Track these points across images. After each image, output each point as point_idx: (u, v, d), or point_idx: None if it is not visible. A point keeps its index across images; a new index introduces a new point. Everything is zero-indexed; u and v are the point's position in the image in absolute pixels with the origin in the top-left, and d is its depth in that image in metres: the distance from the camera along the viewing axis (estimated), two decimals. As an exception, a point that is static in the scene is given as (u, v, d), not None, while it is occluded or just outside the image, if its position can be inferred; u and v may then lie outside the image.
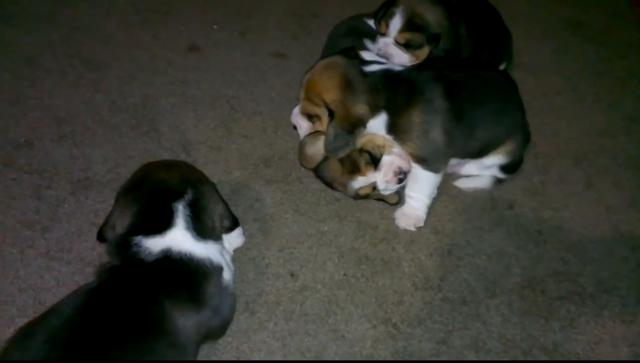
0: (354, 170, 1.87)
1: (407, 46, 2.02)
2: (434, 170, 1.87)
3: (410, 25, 1.99)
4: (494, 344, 1.69)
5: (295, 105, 2.00)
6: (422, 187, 1.92)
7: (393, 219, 1.99)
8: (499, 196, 2.07)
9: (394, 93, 1.79)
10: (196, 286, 1.44)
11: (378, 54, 2.02)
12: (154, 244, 1.42)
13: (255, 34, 2.72)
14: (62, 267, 1.74)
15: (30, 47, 2.44)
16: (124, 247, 1.42)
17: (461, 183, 2.07)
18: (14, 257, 1.76)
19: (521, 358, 1.66)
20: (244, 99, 2.38)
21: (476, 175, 2.05)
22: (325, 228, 1.95)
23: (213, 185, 1.64)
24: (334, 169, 1.90)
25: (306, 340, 1.66)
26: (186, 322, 1.39)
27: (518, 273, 1.86)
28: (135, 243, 1.42)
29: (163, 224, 1.45)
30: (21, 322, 1.60)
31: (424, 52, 2.04)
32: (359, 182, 1.89)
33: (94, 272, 1.47)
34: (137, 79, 2.38)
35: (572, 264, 1.89)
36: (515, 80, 2.05)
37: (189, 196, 1.50)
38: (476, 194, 2.07)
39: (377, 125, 1.83)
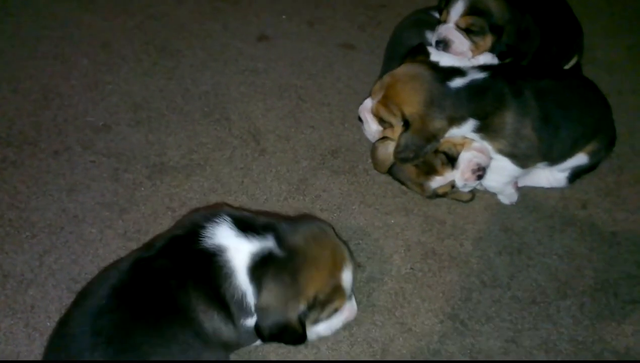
0: (430, 171, 1.87)
1: (468, 31, 2.00)
2: (522, 165, 1.86)
3: (472, 9, 1.99)
4: (564, 346, 1.66)
5: (363, 98, 2.00)
6: (502, 177, 1.90)
7: (460, 214, 1.97)
8: (572, 195, 2.03)
9: (482, 101, 1.79)
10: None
11: (438, 41, 2.01)
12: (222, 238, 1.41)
13: (323, 25, 2.73)
14: (140, 246, 1.80)
15: (106, 34, 2.52)
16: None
17: (533, 181, 2.03)
18: (93, 236, 1.84)
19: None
20: (312, 90, 2.40)
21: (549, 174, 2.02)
22: (392, 221, 1.96)
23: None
24: (409, 171, 1.90)
25: (373, 330, 1.68)
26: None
27: (590, 275, 1.82)
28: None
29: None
30: (101, 298, 1.68)
31: (486, 43, 2.02)
32: (437, 182, 1.88)
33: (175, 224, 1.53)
34: (208, 68, 2.43)
35: (647, 268, 1.84)
36: (591, 80, 2.03)
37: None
38: (548, 192, 2.03)
39: (462, 131, 1.82)
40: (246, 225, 1.44)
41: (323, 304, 1.44)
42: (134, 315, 1.31)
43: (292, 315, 1.39)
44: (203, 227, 1.42)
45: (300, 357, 1.61)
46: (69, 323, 1.33)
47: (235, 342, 1.46)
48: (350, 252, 1.53)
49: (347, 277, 1.47)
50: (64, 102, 2.22)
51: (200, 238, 1.40)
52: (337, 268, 1.45)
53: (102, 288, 1.34)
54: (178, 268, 1.36)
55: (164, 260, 1.37)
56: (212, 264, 1.38)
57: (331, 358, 1.61)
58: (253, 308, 1.40)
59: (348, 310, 1.54)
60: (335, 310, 1.49)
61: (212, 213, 1.46)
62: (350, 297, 1.54)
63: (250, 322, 1.42)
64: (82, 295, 1.39)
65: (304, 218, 1.56)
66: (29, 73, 2.31)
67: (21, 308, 1.66)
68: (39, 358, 1.54)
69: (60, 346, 1.32)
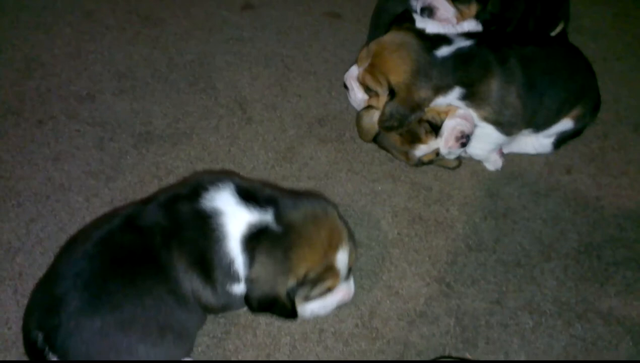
0: (414, 139, 1.87)
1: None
2: (506, 133, 1.87)
3: None
4: (548, 306, 1.69)
5: (350, 66, 2.00)
6: (486, 144, 1.91)
7: (447, 181, 1.99)
8: (557, 161, 2.05)
9: (468, 69, 1.79)
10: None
11: (422, 7, 2.00)
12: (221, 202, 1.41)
13: (309, -7, 2.70)
14: (126, 215, 1.80)
15: (89, 3, 2.48)
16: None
17: (519, 148, 2.05)
18: (80, 204, 1.83)
19: (575, 320, 1.66)
20: (298, 59, 2.38)
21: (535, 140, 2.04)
22: (379, 188, 1.97)
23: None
24: (393, 139, 1.91)
25: (361, 294, 1.69)
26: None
27: (574, 239, 1.84)
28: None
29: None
30: (89, 266, 1.68)
31: (471, 11, 2.01)
32: (421, 151, 1.89)
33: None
34: (193, 37, 2.40)
35: (629, 231, 1.87)
36: (575, 46, 2.04)
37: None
38: (533, 158, 2.05)
39: (448, 99, 1.82)
40: (249, 195, 1.43)
41: (313, 282, 1.43)
42: (112, 265, 1.32)
43: (281, 290, 1.40)
44: (205, 189, 1.43)
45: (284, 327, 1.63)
46: (56, 263, 1.38)
47: (215, 306, 1.45)
48: (351, 235, 1.52)
49: (341, 258, 1.46)
50: (47, 71, 2.19)
51: (200, 199, 1.41)
52: (331, 249, 1.44)
53: (92, 234, 1.36)
54: (167, 226, 1.37)
55: (157, 216, 1.38)
56: (206, 225, 1.38)
57: (318, 323, 1.63)
58: (241, 276, 1.40)
59: (343, 292, 1.53)
60: (328, 290, 1.49)
61: (218, 177, 1.47)
62: (346, 279, 1.53)
63: (237, 288, 1.42)
64: (74, 239, 1.43)
65: (309, 196, 1.54)
66: (11, 43, 2.27)
67: (9, 276, 1.66)
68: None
69: (46, 283, 1.36)
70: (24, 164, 1.90)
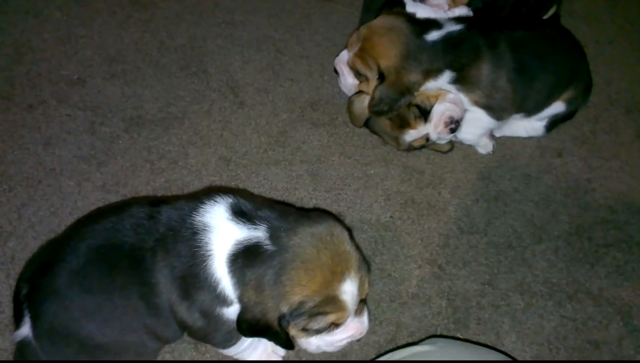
0: (404, 124, 1.88)
1: None
2: (497, 118, 1.87)
3: None
4: (539, 287, 1.71)
5: (341, 51, 1.99)
6: (477, 129, 1.92)
7: (439, 164, 1.99)
8: (548, 144, 2.06)
9: (458, 53, 1.80)
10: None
11: None
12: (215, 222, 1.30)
13: (301, -23, 2.68)
14: (118, 199, 1.80)
15: (79, -13, 2.45)
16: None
17: (511, 131, 2.05)
18: (71, 189, 1.82)
19: (566, 301, 1.68)
20: (290, 42, 2.37)
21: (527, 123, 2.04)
22: (372, 172, 1.97)
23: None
24: (383, 124, 1.91)
25: (353, 277, 1.70)
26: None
27: (565, 221, 1.86)
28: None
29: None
30: (81, 250, 1.68)
31: None
32: (411, 136, 1.90)
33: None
34: (184, 20, 2.38)
35: (620, 213, 1.89)
36: (567, 28, 2.04)
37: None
38: (525, 142, 2.06)
39: (439, 83, 1.83)
40: (242, 211, 1.30)
41: (312, 314, 1.24)
42: (102, 250, 1.30)
43: (272, 316, 1.24)
44: (203, 203, 1.32)
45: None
46: (71, 228, 1.44)
47: (191, 326, 1.32)
48: (364, 263, 1.31)
49: (348, 289, 1.25)
50: (37, 56, 2.17)
51: (196, 212, 1.30)
52: (335, 277, 1.23)
53: (107, 215, 1.35)
54: (162, 232, 1.30)
55: (159, 220, 1.32)
56: (194, 241, 1.27)
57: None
58: (230, 299, 1.27)
59: (353, 328, 1.33)
60: (333, 325, 1.29)
61: (220, 193, 1.36)
62: (358, 313, 1.34)
63: (228, 312, 1.29)
64: (98, 212, 1.46)
65: (317, 214, 1.34)
66: (0, 28, 2.25)
67: (1, 260, 1.65)
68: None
69: (54, 243, 1.42)
70: (15, 148, 1.89)
